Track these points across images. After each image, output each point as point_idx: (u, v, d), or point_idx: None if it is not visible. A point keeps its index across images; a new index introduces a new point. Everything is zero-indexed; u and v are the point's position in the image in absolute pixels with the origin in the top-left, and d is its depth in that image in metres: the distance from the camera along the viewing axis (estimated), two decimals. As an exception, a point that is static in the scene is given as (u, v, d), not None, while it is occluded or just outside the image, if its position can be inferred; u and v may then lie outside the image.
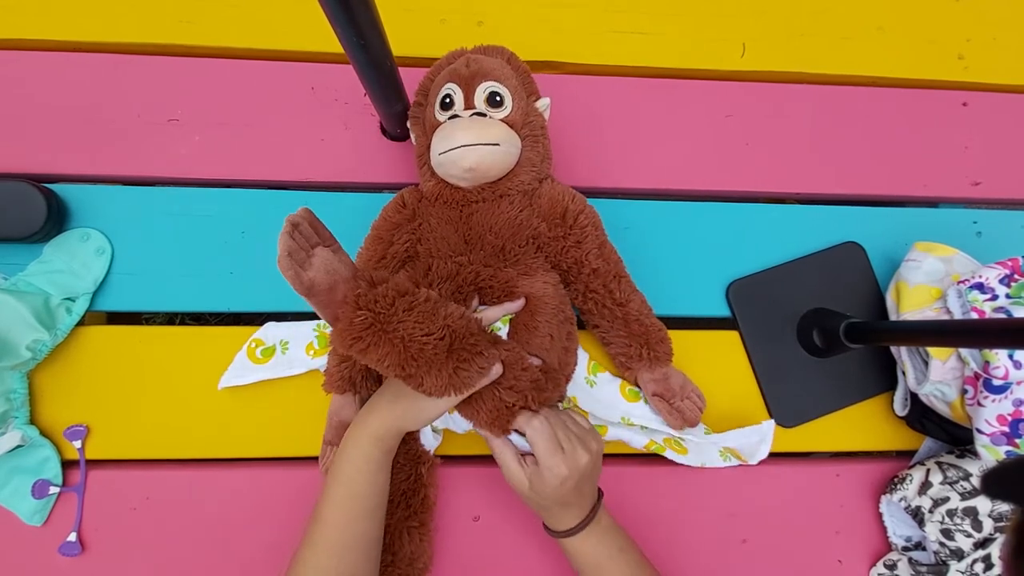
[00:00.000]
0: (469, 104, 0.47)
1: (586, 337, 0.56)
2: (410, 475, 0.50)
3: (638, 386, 0.54)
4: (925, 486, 0.52)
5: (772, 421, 0.54)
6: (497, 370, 0.43)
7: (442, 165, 0.46)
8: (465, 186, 0.48)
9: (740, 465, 0.55)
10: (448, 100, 0.47)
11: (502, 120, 0.47)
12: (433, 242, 0.49)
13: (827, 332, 0.55)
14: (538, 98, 0.51)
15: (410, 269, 0.50)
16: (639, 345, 0.51)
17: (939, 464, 0.53)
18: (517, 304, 0.47)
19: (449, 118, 0.47)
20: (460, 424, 0.50)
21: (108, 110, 0.57)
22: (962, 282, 0.50)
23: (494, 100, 0.47)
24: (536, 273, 0.49)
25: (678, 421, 0.51)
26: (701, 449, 0.54)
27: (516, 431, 0.45)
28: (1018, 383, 0.46)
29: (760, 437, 0.53)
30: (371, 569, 0.44)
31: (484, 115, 0.46)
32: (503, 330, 0.47)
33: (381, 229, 0.51)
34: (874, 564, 0.55)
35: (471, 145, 0.44)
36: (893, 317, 0.54)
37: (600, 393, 0.54)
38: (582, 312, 0.53)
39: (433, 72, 0.51)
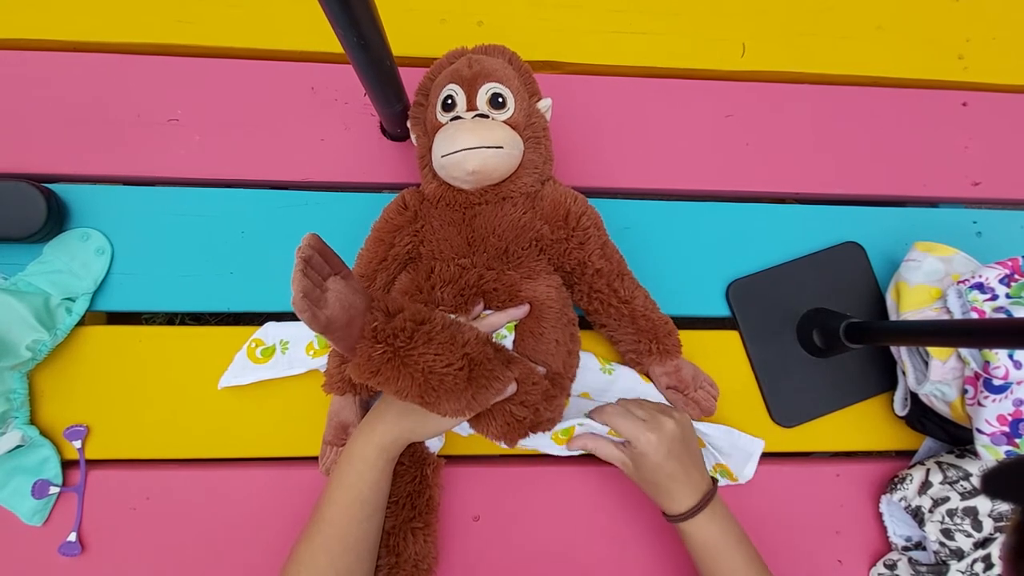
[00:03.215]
0: (471, 105, 0.47)
1: (588, 336, 0.56)
2: (415, 476, 0.50)
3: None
4: (925, 486, 0.52)
5: (762, 442, 0.53)
6: (511, 389, 0.43)
7: (444, 168, 0.46)
8: (468, 188, 0.48)
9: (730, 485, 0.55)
10: (450, 101, 0.47)
11: (504, 122, 0.46)
12: (436, 244, 0.49)
13: (827, 332, 0.55)
14: (540, 98, 0.51)
15: (412, 271, 0.50)
16: (648, 340, 0.51)
17: (939, 464, 0.53)
18: (522, 310, 0.47)
19: (451, 119, 0.47)
20: (464, 427, 0.50)
21: (108, 110, 0.57)
22: (962, 282, 0.50)
23: (496, 101, 0.46)
24: (539, 276, 0.48)
25: (695, 411, 0.52)
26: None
27: (594, 419, 0.48)
28: (1018, 383, 0.46)
29: (746, 457, 0.53)
30: (366, 570, 0.44)
31: (486, 116, 0.46)
32: (509, 337, 0.47)
33: (382, 231, 0.50)
34: (874, 564, 0.55)
35: (474, 148, 0.44)
36: (893, 317, 0.54)
37: (620, 382, 0.54)
38: (587, 313, 0.53)
39: (433, 72, 0.51)
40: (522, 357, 0.45)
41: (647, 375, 0.54)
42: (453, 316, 0.46)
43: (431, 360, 0.39)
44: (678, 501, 0.46)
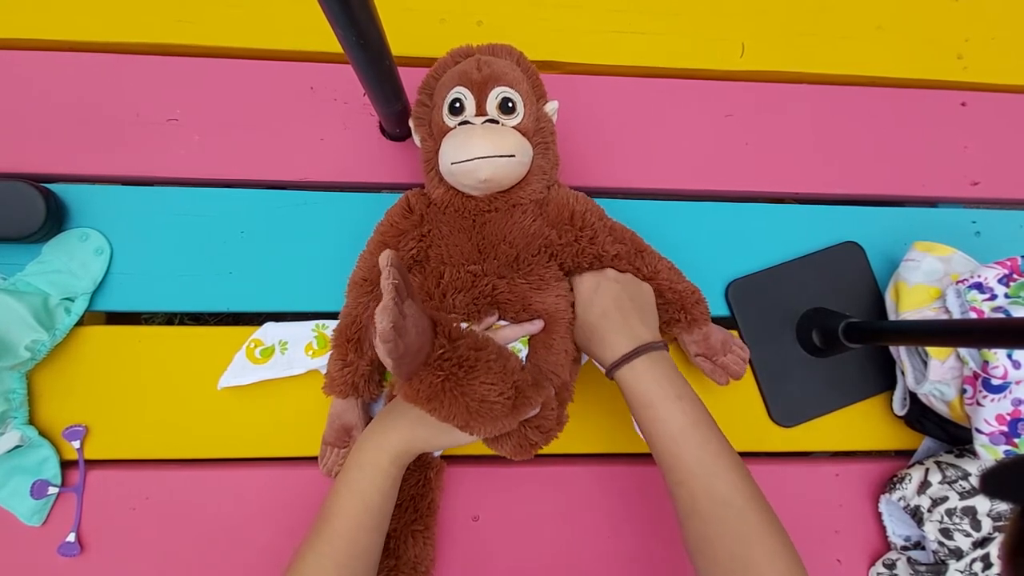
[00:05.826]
0: (481, 110, 0.45)
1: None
2: (419, 480, 0.50)
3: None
4: (924, 485, 0.52)
5: None
6: (535, 411, 0.43)
7: (454, 175, 0.45)
8: (477, 195, 0.47)
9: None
10: (458, 104, 0.46)
11: (514, 127, 0.45)
12: (445, 249, 0.48)
13: (826, 332, 0.55)
14: (546, 101, 0.50)
15: (419, 275, 0.49)
16: (676, 310, 0.51)
17: (938, 463, 0.53)
18: (536, 326, 0.47)
19: (460, 124, 0.46)
20: None
21: (108, 110, 0.56)
22: (961, 282, 0.50)
23: (506, 106, 0.45)
24: (549, 286, 0.48)
25: (723, 378, 0.52)
26: None
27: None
28: (1017, 383, 0.46)
29: None
30: None
31: (496, 122, 0.45)
32: (523, 351, 0.47)
33: (387, 235, 0.50)
34: (873, 563, 0.55)
35: (487, 157, 0.43)
36: (892, 317, 0.55)
37: None
38: None
39: (438, 70, 0.49)
40: (546, 382, 0.45)
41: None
42: (466, 324, 0.46)
43: (486, 389, 0.38)
44: (611, 347, 0.44)
